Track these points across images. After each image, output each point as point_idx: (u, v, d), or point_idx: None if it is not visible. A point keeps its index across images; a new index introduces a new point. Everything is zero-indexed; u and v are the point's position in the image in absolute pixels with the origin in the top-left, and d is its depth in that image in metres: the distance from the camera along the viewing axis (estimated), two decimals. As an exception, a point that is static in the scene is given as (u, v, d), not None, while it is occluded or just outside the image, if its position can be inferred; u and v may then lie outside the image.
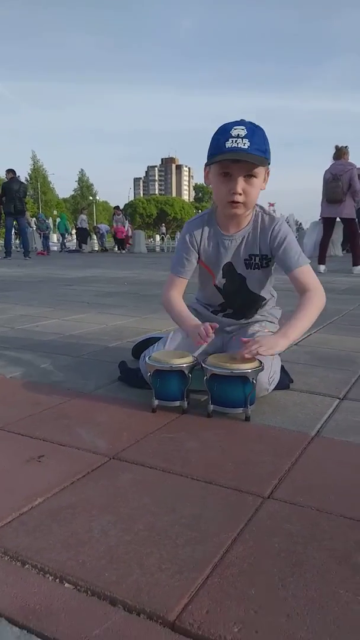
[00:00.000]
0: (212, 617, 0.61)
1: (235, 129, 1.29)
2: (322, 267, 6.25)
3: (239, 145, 1.28)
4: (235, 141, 1.28)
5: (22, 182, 10.01)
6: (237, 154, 1.28)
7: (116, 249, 16.54)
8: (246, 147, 1.28)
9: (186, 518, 0.82)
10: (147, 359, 1.36)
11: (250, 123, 1.34)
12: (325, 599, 0.64)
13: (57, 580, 0.69)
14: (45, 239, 10.88)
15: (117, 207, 17.70)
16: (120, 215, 16.62)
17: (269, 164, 1.38)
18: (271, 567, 0.70)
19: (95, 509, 0.85)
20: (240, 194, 1.33)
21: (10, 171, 9.68)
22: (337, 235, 6.67)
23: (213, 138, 1.35)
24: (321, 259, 6.30)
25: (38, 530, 0.79)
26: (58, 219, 18.29)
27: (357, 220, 6.23)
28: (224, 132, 1.31)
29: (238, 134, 1.28)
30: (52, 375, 1.66)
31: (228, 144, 1.28)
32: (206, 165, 1.40)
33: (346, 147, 5.92)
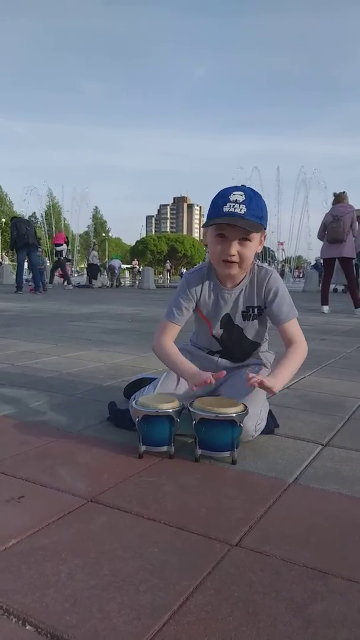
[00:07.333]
0: (162, 665, 0.63)
1: (234, 195, 1.36)
2: (325, 308, 6.30)
3: (235, 210, 1.33)
4: (233, 206, 1.34)
5: (29, 221, 10.63)
6: (233, 218, 1.34)
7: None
8: (242, 212, 1.33)
9: (152, 564, 0.84)
10: (133, 403, 1.39)
11: (250, 189, 1.40)
12: (275, 650, 0.66)
13: (20, 622, 0.71)
14: (40, 274, 10.77)
15: None
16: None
17: (265, 228, 1.44)
18: (227, 616, 0.72)
19: (66, 552, 0.88)
20: (234, 255, 1.39)
21: (14, 217, 10.60)
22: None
23: (212, 201, 1.41)
24: (324, 300, 6.36)
25: (7, 571, 0.82)
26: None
27: (358, 262, 6.32)
28: (223, 197, 1.37)
29: (236, 200, 1.35)
30: (43, 414, 1.70)
31: (225, 208, 1.34)
32: (204, 226, 1.46)
33: (344, 192, 6.10)
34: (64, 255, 13.90)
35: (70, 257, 15.84)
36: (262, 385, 1.31)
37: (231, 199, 1.35)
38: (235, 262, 1.41)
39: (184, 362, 1.49)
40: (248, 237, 1.39)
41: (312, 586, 0.79)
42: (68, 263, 15.13)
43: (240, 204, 1.34)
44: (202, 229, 1.52)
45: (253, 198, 1.37)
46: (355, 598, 0.77)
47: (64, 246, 13.83)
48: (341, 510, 1.06)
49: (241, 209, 1.34)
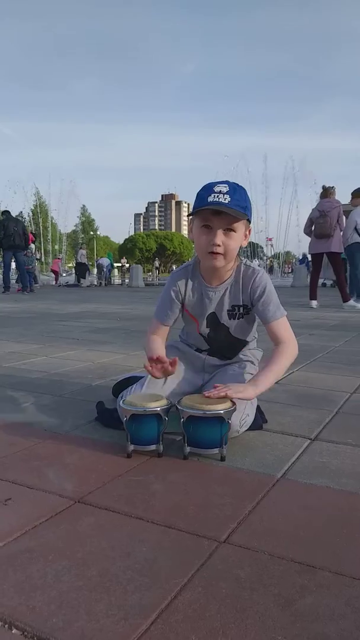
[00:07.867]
0: (150, 665, 0.62)
1: (217, 186, 1.38)
2: (313, 303, 6.34)
3: (219, 200, 1.35)
4: (217, 196, 1.36)
5: (18, 219, 10.38)
6: (217, 206, 1.35)
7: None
8: (226, 202, 1.35)
9: (140, 563, 0.84)
10: (121, 402, 1.38)
11: (234, 183, 1.42)
12: (263, 645, 0.65)
13: (7, 625, 0.70)
14: (29, 274, 10.67)
15: None
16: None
17: (250, 221, 1.45)
18: (215, 613, 0.72)
19: (53, 553, 0.87)
20: (219, 245, 1.39)
21: (5, 212, 10.11)
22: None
23: (197, 194, 1.42)
24: (312, 295, 6.39)
25: (-7, 575, 0.81)
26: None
27: (345, 257, 6.37)
28: (207, 189, 1.40)
29: (220, 190, 1.37)
30: (31, 415, 1.69)
31: (210, 199, 1.36)
32: (188, 216, 1.48)
33: (333, 187, 6.13)
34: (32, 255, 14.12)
35: (38, 257, 16.41)
36: (227, 396, 1.31)
37: (215, 190, 1.37)
38: (220, 254, 1.41)
39: (154, 347, 1.53)
40: (232, 227, 1.39)
41: (300, 581, 0.79)
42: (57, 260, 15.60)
43: (224, 194, 1.36)
44: (188, 219, 1.53)
45: (237, 189, 1.39)
46: (342, 591, 0.77)
47: (32, 246, 14.05)
48: (329, 504, 1.07)
49: (225, 199, 1.36)
